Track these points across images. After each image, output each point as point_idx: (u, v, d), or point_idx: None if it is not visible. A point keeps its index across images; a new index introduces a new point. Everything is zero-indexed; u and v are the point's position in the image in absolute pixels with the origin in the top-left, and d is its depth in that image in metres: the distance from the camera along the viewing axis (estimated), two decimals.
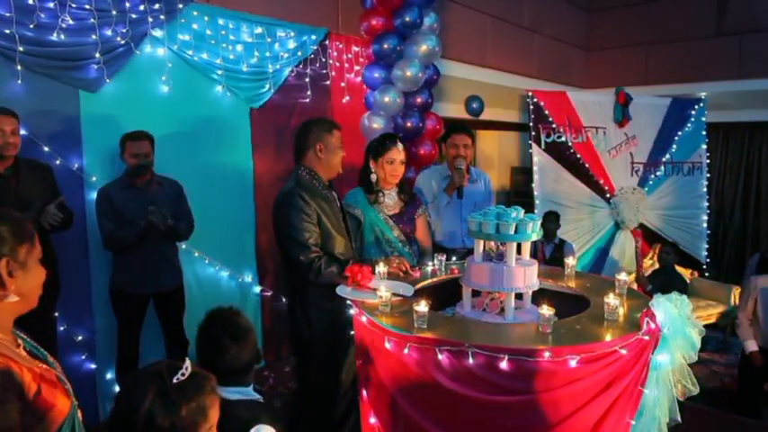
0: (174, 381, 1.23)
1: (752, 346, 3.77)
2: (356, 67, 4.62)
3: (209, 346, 1.67)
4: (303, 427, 2.63)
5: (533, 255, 2.34)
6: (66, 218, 2.81)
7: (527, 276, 2.14)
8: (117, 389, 3.31)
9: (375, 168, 2.98)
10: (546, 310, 1.84)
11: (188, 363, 1.28)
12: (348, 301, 2.27)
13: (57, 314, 3.01)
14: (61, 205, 2.75)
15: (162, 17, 3.39)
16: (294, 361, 2.70)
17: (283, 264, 2.68)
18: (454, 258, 2.96)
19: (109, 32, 3.17)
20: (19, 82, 2.90)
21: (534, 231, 2.14)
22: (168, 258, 3.28)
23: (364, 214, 2.94)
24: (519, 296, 2.28)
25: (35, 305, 1.33)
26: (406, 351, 1.84)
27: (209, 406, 1.27)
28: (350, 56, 4.59)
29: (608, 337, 1.80)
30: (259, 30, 3.94)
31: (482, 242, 2.24)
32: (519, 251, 2.21)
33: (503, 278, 2.11)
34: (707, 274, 6.45)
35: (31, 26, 2.89)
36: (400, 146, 2.98)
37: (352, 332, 2.24)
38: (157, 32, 3.41)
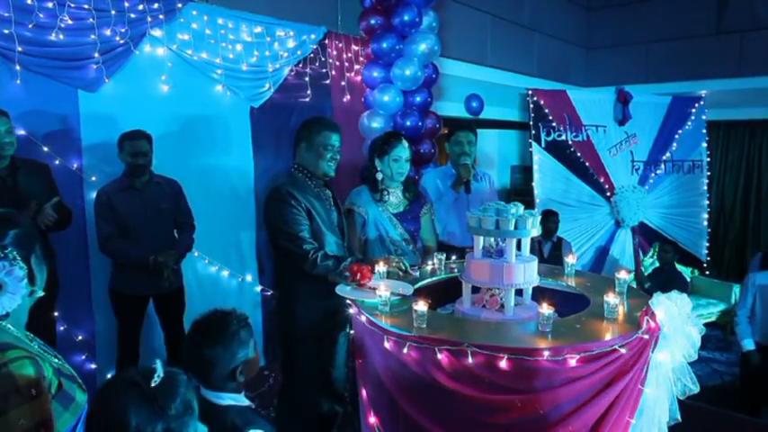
0: (153, 385, 1.20)
1: (749, 344, 3.78)
2: (356, 66, 4.61)
3: (192, 353, 1.65)
4: (289, 421, 2.64)
5: (531, 253, 2.33)
6: (64, 217, 2.80)
7: (527, 272, 2.14)
8: None
9: (381, 166, 2.98)
10: (545, 309, 1.84)
11: (159, 364, 1.25)
12: (337, 299, 2.28)
13: (56, 314, 3.00)
14: (57, 205, 2.72)
15: (161, 17, 3.39)
16: (281, 355, 2.72)
17: (274, 259, 2.70)
18: (454, 257, 2.96)
19: (108, 32, 3.17)
20: (18, 82, 2.90)
21: (534, 227, 2.14)
22: None
23: (368, 212, 2.95)
24: (519, 292, 2.28)
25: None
26: (405, 350, 1.83)
27: (191, 399, 1.25)
28: (350, 55, 4.58)
29: (608, 336, 1.80)
30: (258, 29, 3.93)
31: (481, 238, 2.23)
32: (519, 247, 2.21)
33: (502, 274, 2.11)
34: (707, 273, 6.45)
35: (30, 26, 2.89)
36: (405, 144, 3.00)
37: (352, 331, 2.24)
38: (157, 32, 3.40)
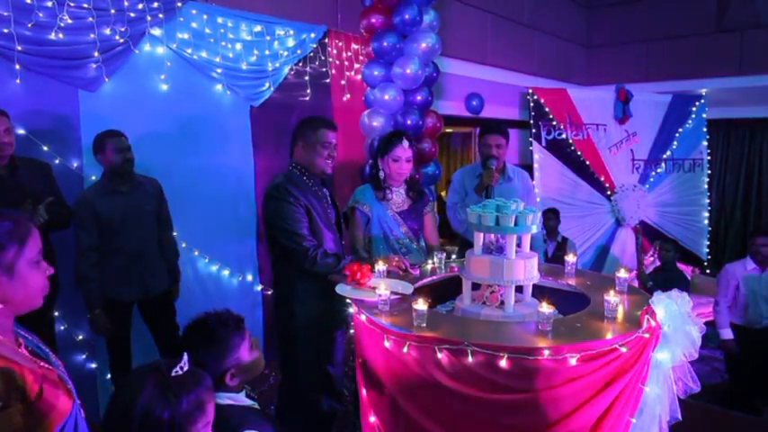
0: (173, 374, 1.23)
1: (726, 334, 4.06)
2: (356, 65, 4.61)
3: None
4: (288, 421, 2.65)
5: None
6: (63, 217, 2.76)
7: (527, 269, 2.13)
8: None
9: (382, 166, 2.99)
10: (546, 308, 1.84)
11: (186, 358, 1.29)
12: (336, 297, 2.28)
13: (57, 314, 2.99)
14: (51, 205, 2.63)
15: (161, 16, 3.38)
16: (280, 354, 2.73)
17: (271, 257, 2.70)
18: (454, 257, 2.96)
19: (107, 31, 3.16)
20: (17, 81, 2.89)
21: (534, 224, 2.13)
22: (154, 260, 3.12)
23: (373, 211, 2.96)
24: (519, 289, 2.27)
25: (38, 305, 1.32)
26: (405, 350, 1.83)
27: (207, 401, 1.27)
28: (349, 54, 4.58)
29: (608, 335, 1.79)
30: (258, 28, 3.93)
31: (482, 235, 2.23)
32: (519, 244, 2.20)
33: (503, 270, 2.10)
34: (708, 271, 6.44)
35: (30, 25, 2.88)
36: (406, 144, 2.98)
37: (352, 330, 2.24)
38: (156, 31, 3.40)
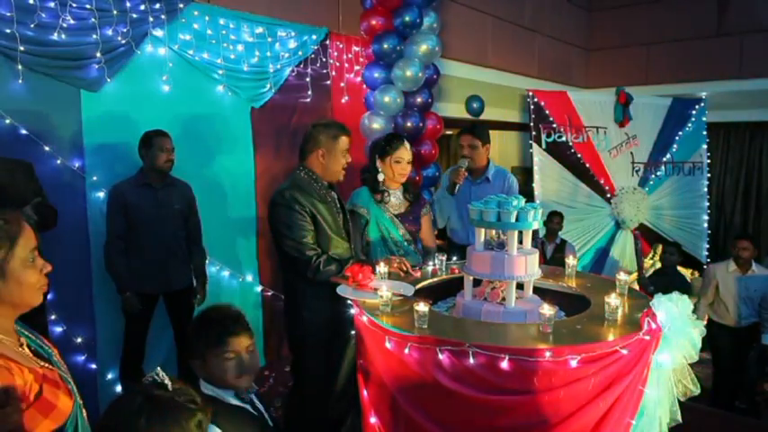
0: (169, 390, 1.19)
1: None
2: (356, 67, 4.62)
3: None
4: (299, 425, 2.64)
5: None
6: (48, 218, 2.67)
7: (528, 265, 2.14)
8: (119, 389, 3.30)
9: (382, 168, 2.99)
10: (547, 310, 1.84)
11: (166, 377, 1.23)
12: (344, 301, 2.27)
13: (54, 317, 2.98)
14: (38, 206, 2.58)
15: (163, 17, 3.39)
16: (291, 359, 2.72)
17: (279, 262, 2.70)
18: (455, 258, 2.96)
19: (110, 32, 3.17)
20: (20, 82, 2.89)
21: (535, 219, 2.14)
22: (178, 256, 3.29)
23: (370, 213, 2.96)
24: (520, 286, 2.28)
25: (37, 302, 1.32)
26: (406, 351, 1.84)
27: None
28: (350, 56, 4.59)
29: (609, 337, 1.80)
30: (260, 29, 3.94)
31: (483, 231, 2.23)
32: (521, 240, 2.21)
33: (503, 266, 2.11)
34: None
35: (32, 26, 2.89)
36: (407, 145, 3.01)
37: (353, 332, 2.25)
38: (158, 32, 3.41)
